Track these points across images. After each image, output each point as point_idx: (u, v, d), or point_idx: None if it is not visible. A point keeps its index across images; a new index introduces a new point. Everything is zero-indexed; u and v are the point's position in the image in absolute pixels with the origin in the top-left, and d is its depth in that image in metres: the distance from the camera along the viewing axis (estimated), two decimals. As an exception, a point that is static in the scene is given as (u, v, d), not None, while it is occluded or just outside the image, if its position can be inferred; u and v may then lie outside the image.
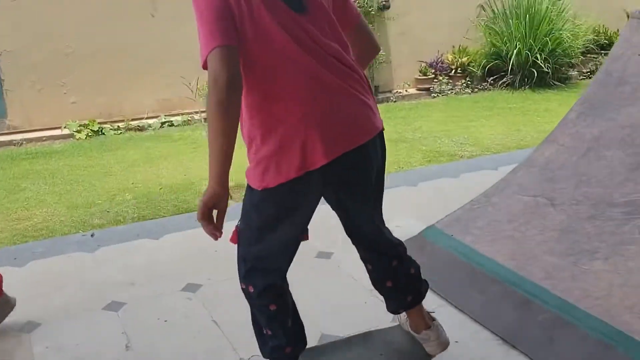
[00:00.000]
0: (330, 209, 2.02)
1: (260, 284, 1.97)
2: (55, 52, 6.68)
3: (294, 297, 2.13)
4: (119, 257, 3.30)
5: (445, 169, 4.81)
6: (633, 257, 2.69)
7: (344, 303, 2.80)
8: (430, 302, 2.80)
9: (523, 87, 8.51)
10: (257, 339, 2.08)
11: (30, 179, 4.97)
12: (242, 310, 2.69)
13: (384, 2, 8.20)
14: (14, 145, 6.20)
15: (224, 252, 3.30)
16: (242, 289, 1.99)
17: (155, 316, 2.67)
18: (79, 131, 6.48)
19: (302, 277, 3.03)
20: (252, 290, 1.98)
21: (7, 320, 2.61)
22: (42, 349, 2.42)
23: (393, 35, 8.65)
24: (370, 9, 8.02)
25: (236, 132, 1.64)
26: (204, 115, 7.20)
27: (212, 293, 2.88)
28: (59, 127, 6.61)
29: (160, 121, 6.92)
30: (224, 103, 1.57)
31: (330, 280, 3.02)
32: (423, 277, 2.33)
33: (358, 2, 7.90)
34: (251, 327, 2.54)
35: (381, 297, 2.80)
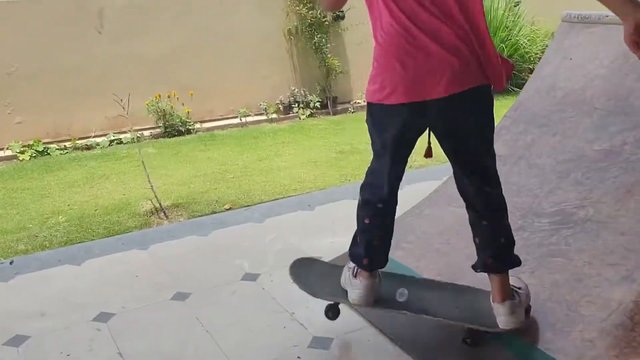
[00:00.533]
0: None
1: (364, 197, 2.40)
2: (-3, 72, 6.47)
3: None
4: (35, 285, 3.12)
5: (391, 180, 4.70)
6: (559, 269, 2.59)
7: (262, 327, 2.66)
8: (353, 322, 2.68)
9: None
10: (352, 239, 2.45)
11: (-38, 204, 4.76)
12: (150, 341, 2.56)
13: (338, 13, 8.12)
14: (-49, 168, 5.97)
15: (145, 277, 3.17)
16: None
17: (58, 350, 2.51)
18: (22, 152, 6.27)
19: (225, 299, 2.91)
20: (359, 201, 2.41)
21: None
22: None
23: (350, 46, 8.57)
24: (324, 20, 7.94)
25: None
26: (153, 132, 7.06)
27: (123, 323, 2.72)
28: (2, 149, 6.40)
29: (109, 139, 6.75)
30: None
31: (252, 304, 2.87)
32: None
33: (312, 13, 7.82)
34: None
35: (302, 321, 2.69)
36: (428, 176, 4.68)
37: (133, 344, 2.54)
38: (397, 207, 3.58)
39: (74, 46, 6.82)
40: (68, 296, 2.99)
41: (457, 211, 3.16)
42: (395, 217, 3.34)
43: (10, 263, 3.41)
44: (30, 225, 4.21)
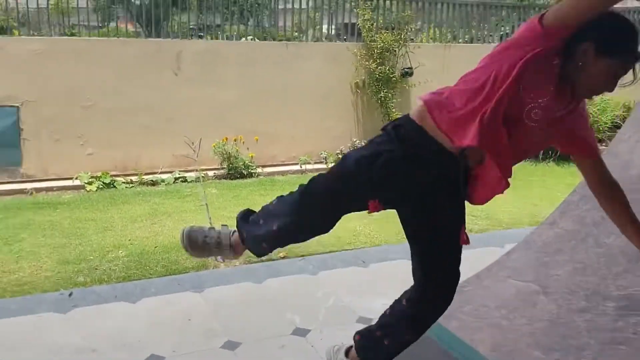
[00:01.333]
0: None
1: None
2: (75, 105, 6.82)
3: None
4: (90, 320, 3.19)
5: (449, 243, 4.61)
6: (623, 358, 2.44)
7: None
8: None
9: (547, 160, 8.30)
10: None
11: (31, 229, 4.96)
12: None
13: (406, 69, 8.20)
14: (25, 194, 6.26)
15: (198, 322, 3.19)
16: None
17: (106, 390, 2.53)
18: (90, 183, 6.52)
19: (274, 353, 2.88)
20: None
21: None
22: (-20, 419, 2.30)
23: (414, 101, 8.59)
24: (392, 76, 8.02)
25: None
26: (217, 172, 7.23)
27: (172, 367, 2.73)
28: (72, 178, 6.68)
29: (174, 176, 6.94)
30: None
31: (300, 360, 2.84)
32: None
33: (381, 69, 7.93)
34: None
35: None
36: (490, 241, 4.58)
37: (179, 391, 2.54)
38: (462, 270, 3.51)
39: (151, 85, 7.13)
40: (120, 334, 3.03)
41: (519, 285, 3.06)
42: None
43: (70, 295, 3.50)
44: (91, 257, 4.33)
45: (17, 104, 6.59)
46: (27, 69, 6.58)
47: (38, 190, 6.35)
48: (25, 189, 6.33)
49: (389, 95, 8.03)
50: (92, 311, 3.30)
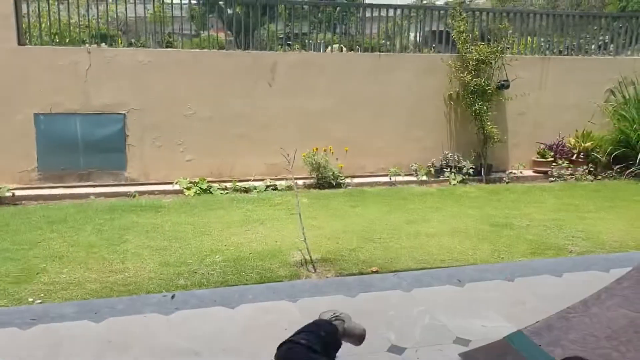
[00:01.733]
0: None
1: None
2: (177, 113, 7.13)
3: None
4: (192, 323, 3.30)
5: (548, 265, 4.42)
6: None
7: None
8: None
9: (655, 179, 7.82)
10: None
11: (134, 231, 5.21)
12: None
13: (502, 82, 7.98)
14: (128, 196, 6.60)
15: (292, 332, 3.22)
16: None
17: (209, 393, 2.61)
18: (188, 188, 6.78)
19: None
20: None
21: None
22: (94, 413, 2.43)
23: (511, 115, 8.36)
24: (488, 88, 7.83)
25: None
26: (306, 182, 7.31)
27: (270, 376, 2.76)
28: (172, 183, 6.98)
29: (266, 184, 7.09)
30: None
31: (397, 379, 2.80)
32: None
33: (476, 81, 7.76)
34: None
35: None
36: (593, 265, 4.36)
37: (278, 401, 2.56)
38: (563, 294, 3.35)
39: (246, 95, 7.34)
40: (220, 339, 3.11)
41: (632, 315, 2.89)
42: (556, 308, 3.13)
43: (172, 297, 3.64)
44: (191, 261, 4.49)
45: (124, 111, 6.98)
46: (133, 79, 6.95)
47: (141, 193, 6.68)
48: (129, 192, 6.67)
49: (484, 107, 7.85)
50: (193, 315, 3.41)
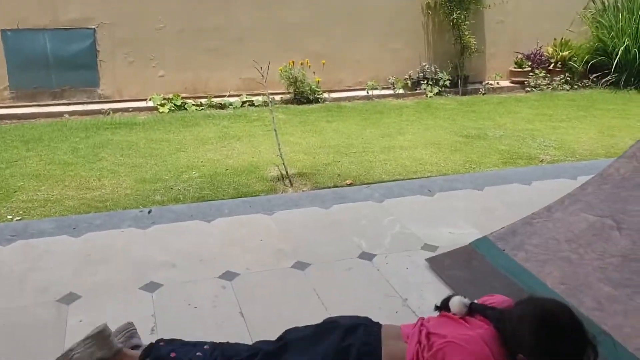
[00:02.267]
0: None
1: None
2: (148, 28, 6.93)
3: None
4: (168, 237, 3.38)
5: (518, 174, 4.53)
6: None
7: (375, 309, 2.70)
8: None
9: (628, 88, 7.89)
10: None
11: (109, 149, 5.21)
12: (269, 306, 2.70)
13: (481, -11, 7.83)
14: (102, 114, 6.53)
15: (269, 243, 3.33)
16: None
17: (186, 301, 2.71)
18: (162, 105, 6.71)
19: (342, 275, 2.99)
20: None
21: (53, 288, 2.77)
22: (76, 322, 2.52)
23: (489, 24, 8.26)
24: (466, -5, 7.69)
25: None
26: (284, 97, 7.26)
27: (246, 284, 2.88)
28: (145, 99, 6.89)
29: (242, 100, 7.04)
30: None
31: (367, 284, 2.93)
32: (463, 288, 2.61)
33: (453, -12, 7.60)
34: (275, 324, 2.53)
35: (415, 309, 2.71)
36: (562, 173, 4.48)
37: (254, 305, 2.68)
38: (530, 201, 3.44)
39: (219, 8, 7.12)
40: (197, 251, 3.20)
41: (592, 219, 3.01)
42: (524, 215, 3.24)
43: (149, 212, 3.70)
44: (167, 178, 4.53)
45: (93, 26, 6.76)
46: (100, -9, 6.69)
47: (115, 110, 6.60)
48: (103, 109, 6.59)
49: (462, 16, 7.72)
50: (170, 229, 3.48)
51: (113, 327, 2.46)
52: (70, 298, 2.71)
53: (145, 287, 2.83)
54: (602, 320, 2.43)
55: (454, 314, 2.07)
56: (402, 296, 2.81)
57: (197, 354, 2.07)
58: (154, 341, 2.16)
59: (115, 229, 3.45)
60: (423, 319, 2.14)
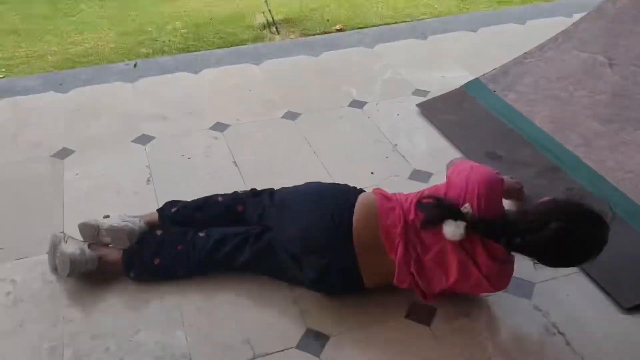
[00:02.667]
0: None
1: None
2: None
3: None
4: (156, 89, 3.34)
5: (513, 13, 4.39)
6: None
7: (365, 155, 2.75)
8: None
9: None
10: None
11: (88, 1, 4.97)
12: (261, 155, 2.74)
13: None
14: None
15: (258, 93, 3.30)
16: None
17: (179, 153, 2.75)
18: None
19: (333, 123, 3.01)
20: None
21: (46, 144, 2.79)
22: (72, 176, 2.57)
23: None
24: None
25: None
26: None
27: (237, 134, 2.90)
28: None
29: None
30: None
31: (358, 131, 2.95)
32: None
33: None
34: (268, 173, 2.59)
35: (405, 153, 2.76)
36: (557, 11, 4.34)
37: (246, 155, 2.72)
38: (524, 41, 3.37)
39: None
40: (187, 103, 3.18)
41: (584, 56, 2.97)
42: (517, 55, 3.18)
43: (134, 65, 3.62)
44: (150, 29, 4.37)
45: None
46: None
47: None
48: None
49: None
50: (157, 81, 3.43)
51: (112, 178, 2.53)
52: (64, 153, 2.73)
53: (137, 140, 2.85)
54: (587, 155, 2.49)
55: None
56: (392, 142, 2.84)
57: (178, 247, 2.00)
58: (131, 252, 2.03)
59: (102, 83, 3.40)
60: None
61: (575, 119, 2.69)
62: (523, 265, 1.76)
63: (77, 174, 2.58)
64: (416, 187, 2.38)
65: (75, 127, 2.95)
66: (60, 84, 3.39)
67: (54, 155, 2.71)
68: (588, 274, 2.03)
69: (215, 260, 1.98)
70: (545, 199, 1.73)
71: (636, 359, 1.77)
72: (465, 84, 3.18)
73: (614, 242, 1.99)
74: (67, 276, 1.97)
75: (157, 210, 2.17)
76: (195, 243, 2.00)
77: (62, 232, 2.08)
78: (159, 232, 2.06)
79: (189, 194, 2.45)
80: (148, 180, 2.55)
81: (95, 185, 2.51)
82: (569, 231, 1.60)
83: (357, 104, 3.17)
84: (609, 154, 2.45)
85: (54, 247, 2.01)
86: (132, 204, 2.39)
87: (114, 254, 2.03)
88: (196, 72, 3.52)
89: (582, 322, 1.84)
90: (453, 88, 3.19)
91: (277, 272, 1.98)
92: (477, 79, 3.18)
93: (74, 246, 1.99)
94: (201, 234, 2.02)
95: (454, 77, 3.36)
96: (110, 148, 2.78)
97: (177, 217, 2.13)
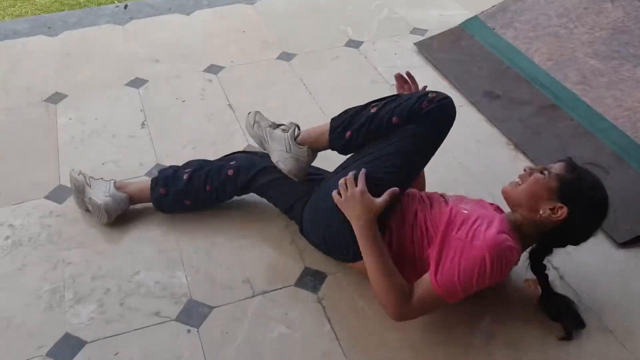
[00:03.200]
0: None
1: None
2: None
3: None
4: (148, 31, 3.26)
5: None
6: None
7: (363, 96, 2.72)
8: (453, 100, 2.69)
9: None
10: None
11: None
12: (257, 96, 2.71)
13: None
14: None
15: (252, 34, 3.24)
16: None
17: (174, 96, 2.71)
18: None
19: (328, 64, 2.96)
20: None
21: (37, 89, 2.74)
22: (66, 120, 2.54)
23: None
24: None
25: None
26: None
27: (232, 76, 2.85)
28: None
29: None
30: None
31: (354, 71, 2.91)
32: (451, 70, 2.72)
33: None
34: (264, 114, 2.56)
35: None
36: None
37: (241, 97, 2.69)
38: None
39: None
40: (179, 45, 3.12)
41: (584, -9, 2.90)
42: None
43: (125, 7, 3.53)
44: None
45: None
46: None
47: None
48: None
49: None
50: (148, 23, 3.35)
51: (106, 122, 2.51)
52: (56, 97, 2.70)
53: (130, 83, 2.80)
54: (585, 93, 2.47)
55: None
56: (389, 82, 2.81)
57: (207, 187, 1.98)
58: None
59: (92, 26, 3.32)
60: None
61: (574, 56, 2.65)
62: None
63: (70, 119, 2.56)
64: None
65: (66, 71, 2.90)
66: (49, 28, 3.31)
67: (47, 100, 2.68)
68: (584, 211, 2.04)
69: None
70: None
71: (628, 291, 1.80)
72: (463, 22, 3.12)
73: (610, 178, 1.99)
74: (106, 224, 1.99)
75: (150, 188, 2.04)
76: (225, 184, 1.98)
77: (80, 172, 2.04)
78: (185, 176, 2.00)
79: (183, 137, 2.45)
80: (143, 124, 2.52)
81: (89, 130, 2.48)
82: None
83: (354, 44, 3.11)
84: (607, 92, 2.43)
85: (80, 192, 2.01)
86: (127, 147, 2.38)
87: (142, 192, 2.03)
88: (188, 14, 3.44)
89: (576, 256, 1.86)
90: (451, 26, 3.13)
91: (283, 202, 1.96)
92: (475, 16, 3.11)
93: (101, 190, 1.99)
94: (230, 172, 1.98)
95: (452, 15, 3.29)
96: (103, 92, 2.74)
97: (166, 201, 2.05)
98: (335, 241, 1.78)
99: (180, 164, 2.08)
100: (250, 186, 1.98)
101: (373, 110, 1.78)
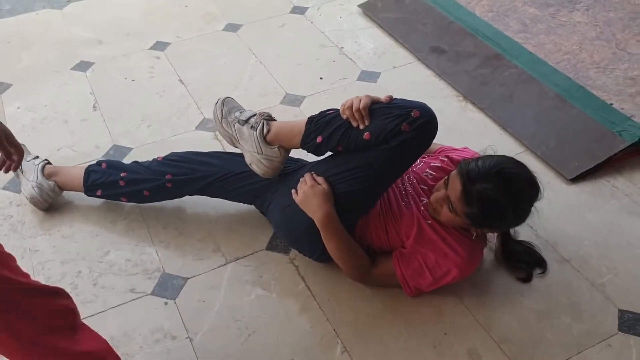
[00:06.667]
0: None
1: None
2: None
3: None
4: (88, 13, 3.18)
5: None
6: (614, 7, 2.53)
7: (312, 61, 2.75)
8: (401, 58, 2.75)
9: None
10: None
11: None
12: (208, 70, 2.70)
13: None
14: None
15: (194, 7, 3.20)
16: None
17: (122, 76, 2.67)
18: None
19: (276, 32, 2.96)
20: None
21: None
22: (14, 110, 2.48)
23: None
24: None
25: None
26: None
27: (179, 52, 2.83)
28: None
29: None
30: None
31: (302, 37, 2.93)
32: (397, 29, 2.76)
33: None
34: (215, 86, 2.57)
35: (351, 56, 2.77)
36: None
37: (191, 72, 2.68)
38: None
39: None
40: (122, 24, 3.06)
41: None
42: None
43: (60, -10, 3.42)
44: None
45: None
46: None
47: None
48: None
49: None
50: (87, 4, 3.25)
51: (57, 108, 2.47)
52: (1, 87, 2.62)
53: (76, 67, 2.75)
54: (527, 41, 2.56)
55: None
56: (337, 45, 2.84)
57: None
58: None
59: (28, 12, 3.21)
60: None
61: (513, 5, 2.74)
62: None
63: (18, 107, 2.50)
64: (366, 89, 2.43)
65: (7, 60, 2.81)
66: (-18, 17, 3.19)
67: (-10, 91, 2.60)
68: (534, 152, 2.14)
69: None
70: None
71: (581, 223, 1.92)
72: (406, -18, 3.15)
73: (556, 119, 2.09)
74: (44, 210, 1.99)
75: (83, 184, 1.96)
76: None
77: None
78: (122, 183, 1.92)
79: (137, 116, 2.44)
80: (94, 107, 2.49)
81: (39, 117, 2.44)
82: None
83: (299, 10, 3.12)
84: (547, 37, 2.53)
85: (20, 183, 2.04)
86: (81, 131, 2.35)
87: (74, 183, 1.98)
88: (127, -8, 3.37)
89: (530, 196, 1.95)
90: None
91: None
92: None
93: (30, 180, 1.97)
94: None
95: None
96: (49, 78, 2.68)
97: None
98: (301, 245, 1.80)
99: (136, 144, 2.06)
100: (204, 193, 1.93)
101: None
